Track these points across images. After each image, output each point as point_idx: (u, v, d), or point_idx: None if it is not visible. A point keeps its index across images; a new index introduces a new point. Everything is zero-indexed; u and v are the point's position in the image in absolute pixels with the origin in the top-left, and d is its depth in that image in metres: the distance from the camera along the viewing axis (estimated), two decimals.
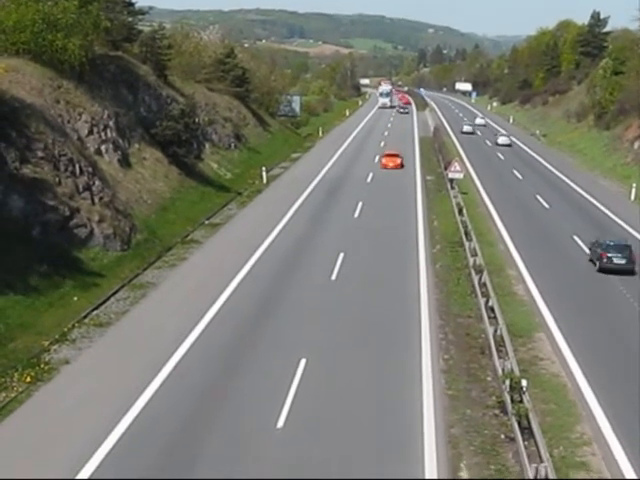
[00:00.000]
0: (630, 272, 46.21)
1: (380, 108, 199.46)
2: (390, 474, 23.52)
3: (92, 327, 35.29)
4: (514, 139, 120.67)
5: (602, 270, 46.38)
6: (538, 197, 70.67)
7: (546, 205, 67.42)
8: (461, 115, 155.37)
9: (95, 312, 37.12)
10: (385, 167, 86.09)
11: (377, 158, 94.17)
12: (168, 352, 32.10)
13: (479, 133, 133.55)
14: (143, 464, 23.72)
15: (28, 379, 29.15)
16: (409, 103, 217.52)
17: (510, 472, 23.96)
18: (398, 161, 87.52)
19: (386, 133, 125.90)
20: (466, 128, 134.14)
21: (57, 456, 24.03)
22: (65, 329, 34.31)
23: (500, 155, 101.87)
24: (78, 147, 49.20)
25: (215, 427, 26.12)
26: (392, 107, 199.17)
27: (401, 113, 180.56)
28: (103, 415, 26.57)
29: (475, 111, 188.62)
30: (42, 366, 30.48)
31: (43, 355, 31.62)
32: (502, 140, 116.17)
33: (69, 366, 31.04)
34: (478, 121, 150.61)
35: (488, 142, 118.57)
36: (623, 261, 46.39)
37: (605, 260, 46.39)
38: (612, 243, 47.68)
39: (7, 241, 37.65)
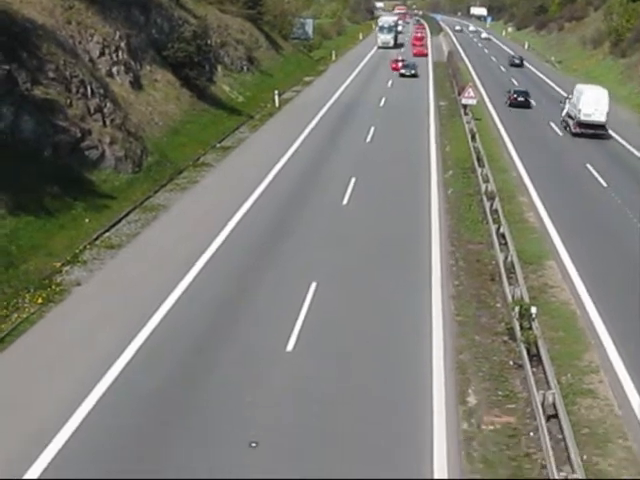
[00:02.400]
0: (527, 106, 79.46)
1: (380, 48, 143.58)
2: (397, 398, 23.71)
3: (103, 249, 35.39)
4: (529, 65, 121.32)
5: (512, 105, 79.60)
6: (552, 124, 70.21)
7: (559, 132, 66.98)
8: (475, 40, 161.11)
9: (106, 234, 37.19)
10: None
11: (390, 82, 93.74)
12: (179, 274, 32.23)
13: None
14: (153, 385, 23.98)
15: (40, 300, 29.32)
16: (424, 54, 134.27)
17: (518, 398, 24.12)
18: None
19: (400, 57, 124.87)
20: (457, 27, 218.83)
21: (69, 376, 24.27)
22: (76, 251, 34.41)
23: (502, 68, 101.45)
24: (89, 69, 48.87)
25: (225, 351, 26.30)
26: (398, 46, 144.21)
27: (402, 76, 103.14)
28: (116, 335, 26.80)
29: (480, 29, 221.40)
30: (53, 287, 30.63)
31: (54, 276, 31.75)
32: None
33: (80, 287, 31.19)
34: (471, 28, 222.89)
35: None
36: (523, 99, 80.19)
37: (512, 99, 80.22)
38: (516, 89, 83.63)
39: (18, 162, 37.58)
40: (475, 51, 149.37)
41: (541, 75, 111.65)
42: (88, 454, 20.42)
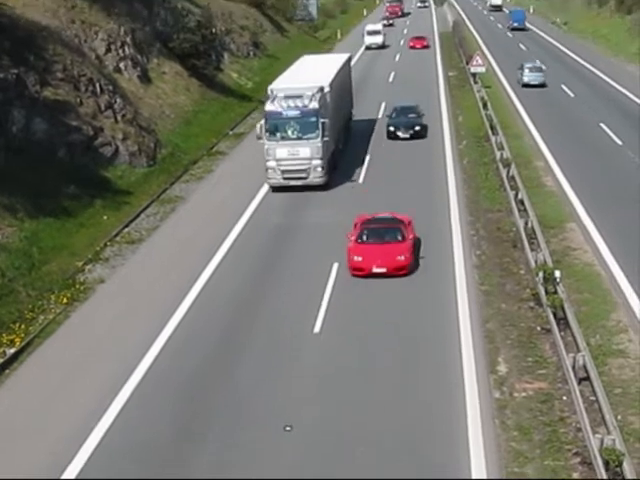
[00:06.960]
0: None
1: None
2: (428, 372, 23.73)
3: (124, 245, 35.57)
4: (535, 29, 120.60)
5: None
6: (563, 86, 69.75)
7: (571, 94, 66.60)
8: (480, 8, 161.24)
9: (126, 229, 37.37)
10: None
11: (398, 57, 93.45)
12: (202, 264, 32.40)
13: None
14: (186, 371, 24.34)
15: (65, 300, 29.50)
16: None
17: (548, 362, 24.06)
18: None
19: (405, 31, 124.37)
20: None
21: (100, 373, 24.46)
22: (97, 248, 34.58)
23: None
24: (97, 66, 48.98)
25: (253, 336, 26.49)
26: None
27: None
28: (143, 330, 27.03)
29: None
30: (78, 286, 30.83)
31: (78, 276, 31.96)
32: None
33: (104, 285, 31.37)
34: None
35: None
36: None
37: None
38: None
39: (34, 164, 37.76)
40: (480, 18, 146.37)
41: (547, 38, 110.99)
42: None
